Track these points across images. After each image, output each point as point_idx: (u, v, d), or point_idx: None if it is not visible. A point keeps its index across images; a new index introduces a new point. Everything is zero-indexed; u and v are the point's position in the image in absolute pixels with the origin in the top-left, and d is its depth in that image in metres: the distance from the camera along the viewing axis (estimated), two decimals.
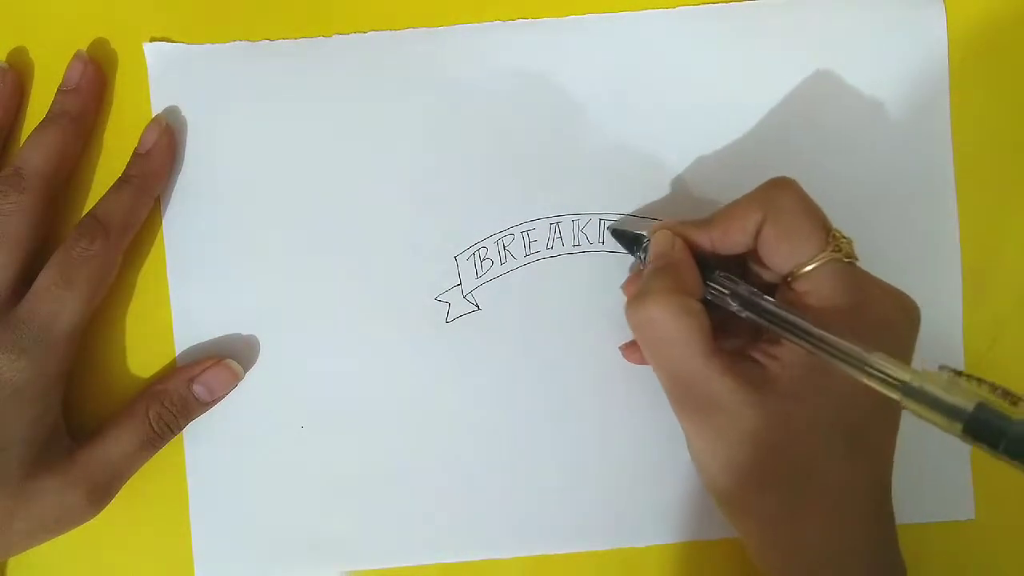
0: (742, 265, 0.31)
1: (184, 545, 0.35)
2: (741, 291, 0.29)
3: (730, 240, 0.30)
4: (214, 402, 0.34)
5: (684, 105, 0.34)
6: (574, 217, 0.34)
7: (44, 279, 0.31)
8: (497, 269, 0.35)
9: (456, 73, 0.34)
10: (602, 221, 0.34)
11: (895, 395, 0.24)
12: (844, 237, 0.29)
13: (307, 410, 0.35)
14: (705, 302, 0.30)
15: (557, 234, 0.35)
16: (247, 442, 0.35)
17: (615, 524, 0.35)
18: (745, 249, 0.30)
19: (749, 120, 0.34)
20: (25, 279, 0.31)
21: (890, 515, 0.29)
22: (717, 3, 0.34)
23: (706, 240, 0.31)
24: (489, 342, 0.35)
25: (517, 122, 0.34)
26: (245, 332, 0.35)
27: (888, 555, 0.29)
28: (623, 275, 0.35)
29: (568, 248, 0.35)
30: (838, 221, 0.34)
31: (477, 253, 0.35)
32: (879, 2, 0.34)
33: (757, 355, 0.29)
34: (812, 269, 0.28)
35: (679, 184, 0.34)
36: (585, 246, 0.35)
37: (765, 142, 0.34)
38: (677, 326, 0.28)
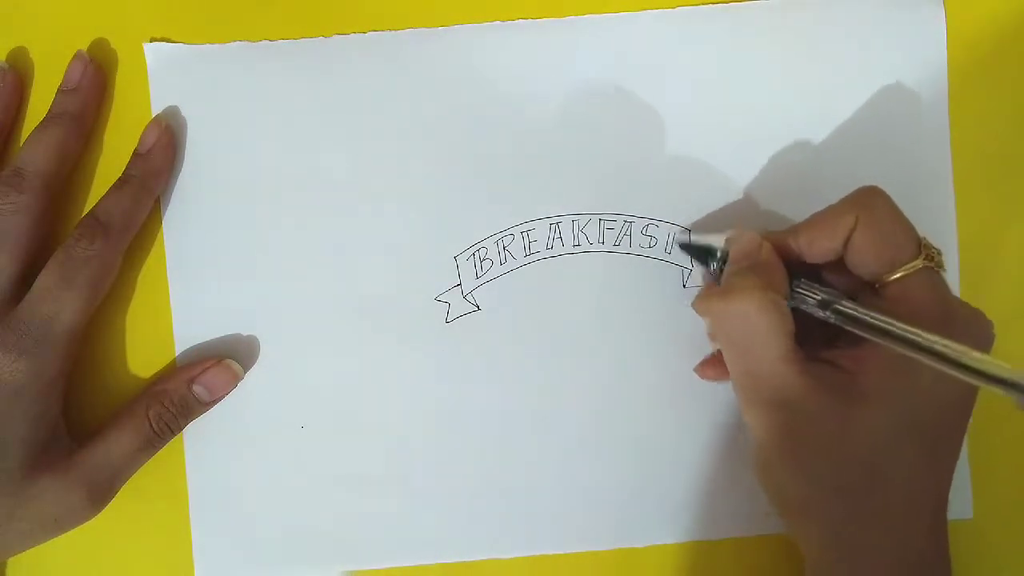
0: (816, 277, 0.31)
1: (184, 545, 0.35)
2: (829, 296, 0.29)
3: (818, 247, 0.30)
4: (214, 402, 0.34)
5: (684, 105, 0.34)
6: (574, 217, 0.34)
7: (44, 279, 0.31)
8: (497, 269, 0.35)
9: (456, 73, 0.34)
10: (602, 221, 0.34)
11: (1014, 395, 0.24)
12: (934, 246, 0.29)
13: (307, 410, 0.35)
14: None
15: (557, 234, 0.35)
16: (247, 442, 0.35)
17: (615, 524, 0.35)
18: (832, 257, 0.30)
19: (749, 120, 0.34)
20: (25, 279, 0.31)
21: (945, 521, 0.29)
22: (717, 3, 0.34)
23: (792, 247, 0.31)
24: (489, 342, 0.35)
25: (517, 122, 0.34)
26: (245, 332, 0.35)
27: (944, 562, 0.29)
28: (623, 275, 0.35)
29: (568, 248, 0.35)
30: None
31: (477, 253, 0.35)
32: (879, 2, 0.34)
33: (838, 360, 0.29)
34: (903, 276, 0.29)
35: (679, 184, 0.34)
36: (585, 246, 0.35)
37: (765, 142, 0.34)
38: (767, 321, 0.28)
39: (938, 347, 0.26)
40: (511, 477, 0.35)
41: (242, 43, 0.34)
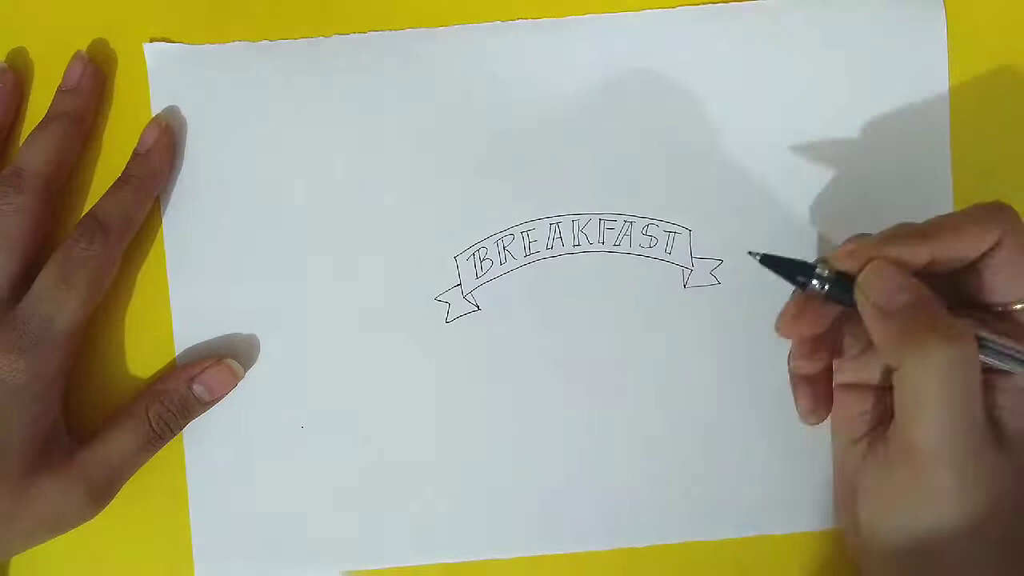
0: None
1: (184, 545, 0.35)
2: (981, 333, 0.27)
3: (958, 252, 0.27)
4: (214, 402, 0.34)
5: (684, 105, 0.34)
6: (574, 217, 0.34)
7: (44, 279, 0.31)
8: (497, 269, 0.35)
9: (456, 73, 0.34)
10: (602, 221, 0.34)
11: None
12: None
13: (307, 410, 0.35)
14: None
15: (557, 234, 0.35)
16: (247, 442, 0.35)
17: (615, 524, 0.35)
18: (959, 267, 0.28)
19: (749, 120, 0.34)
20: (25, 279, 0.31)
21: None
22: (717, 3, 0.34)
23: (923, 254, 0.27)
24: (489, 342, 0.35)
25: (517, 122, 0.34)
26: (245, 332, 0.35)
27: None
28: (623, 275, 0.34)
29: (568, 248, 0.35)
30: (836, 221, 0.34)
31: (477, 253, 0.35)
32: (879, 2, 0.34)
33: (989, 406, 0.27)
34: None
35: (679, 184, 0.34)
36: (585, 246, 0.35)
37: (765, 142, 0.34)
38: (978, 375, 0.26)
39: None
40: (511, 477, 0.35)
41: (242, 43, 0.34)
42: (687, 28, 0.34)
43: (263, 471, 0.35)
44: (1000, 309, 0.28)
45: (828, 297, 0.28)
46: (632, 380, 0.35)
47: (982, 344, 0.26)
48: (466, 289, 0.35)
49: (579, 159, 0.34)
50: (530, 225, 0.35)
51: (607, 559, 0.35)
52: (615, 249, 0.35)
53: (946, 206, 0.35)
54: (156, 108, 0.34)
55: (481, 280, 0.35)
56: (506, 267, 0.35)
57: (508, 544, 0.35)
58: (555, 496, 0.35)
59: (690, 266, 0.35)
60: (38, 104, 0.34)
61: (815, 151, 0.35)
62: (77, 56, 0.34)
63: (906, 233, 0.28)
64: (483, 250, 0.35)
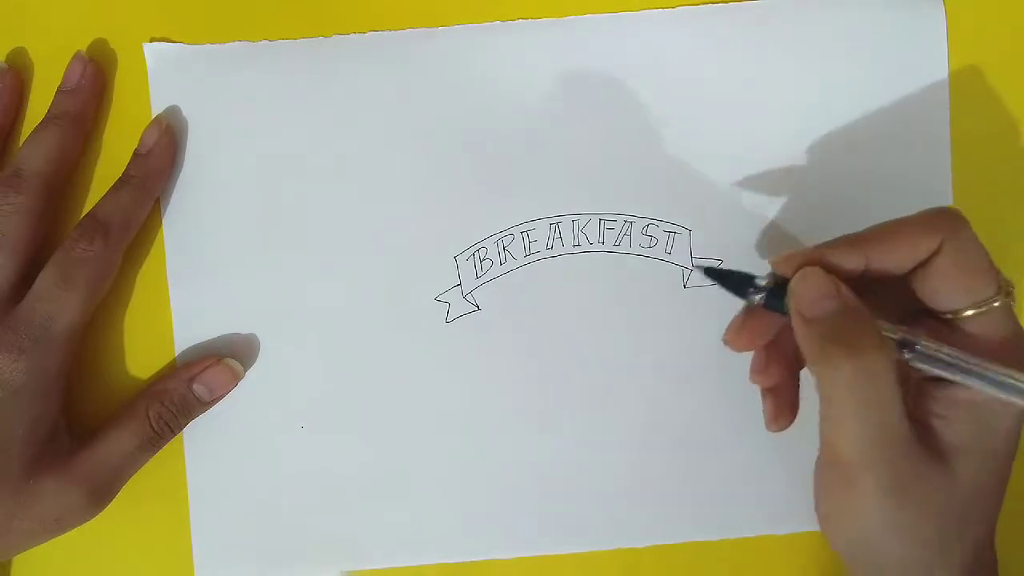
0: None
1: (184, 545, 0.35)
2: (908, 336, 0.27)
3: (894, 259, 0.27)
4: (214, 402, 0.34)
5: (684, 105, 0.34)
6: (574, 217, 0.34)
7: (44, 279, 0.31)
8: (497, 269, 0.35)
9: (456, 73, 0.34)
10: (602, 221, 0.34)
11: None
12: (1006, 278, 0.27)
13: (307, 410, 0.35)
14: None
15: (557, 234, 0.35)
16: (247, 442, 0.35)
17: (615, 524, 0.35)
18: (900, 273, 0.27)
19: (749, 120, 0.34)
20: (25, 279, 0.31)
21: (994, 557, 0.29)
22: (717, 3, 0.34)
23: (858, 260, 0.27)
24: (489, 342, 0.35)
25: (517, 122, 0.34)
26: (245, 332, 0.35)
27: None
28: (623, 275, 0.34)
29: (568, 248, 0.35)
30: (835, 221, 0.34)
31: (477, 253, 0.35)
32: (879, 2, 0.34)
33: (919, 412, 0.27)
34: (987, 311, 0.26)
35: (679, 184, 0.34)
36: (585, 246, 0.35)
37: (765, 142, 0.34)
38: (893, 381, 0.25)
39: None
40: (511, 477, 0.35)
41: (242, 43, 0.34)
42: (687, 28, 0.34)
43: (263, 471, 0.35)
44: (949, 317, 0.27)
45: (766, 306, 0.28)
46: (632, 380, 0.35)
47: (916, 351, 0.26)
48: (466, 289, 0.35)
49: (579, 159, 0.34)
50: (530, 225, 0.35)
51: (607, 559, 0.35)
52: (615, 249, 0.35)
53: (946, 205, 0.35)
54: (156, 108, 0.34)
55: (481, 280, 0.35)
56: (506, 267, 0.35)
57: (508, 544, 0.35)
58: (555, 496, 0.35)
59: (690, 266, 0.35)
60: (38, 104, 0.34)
61: (815, 151, 0.35)
62: (77, 56, 0.34)
63: (842, 240, 0.28)
64: (483, 250, 0.35)
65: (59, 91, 0.33)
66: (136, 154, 0.33)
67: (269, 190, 0.34)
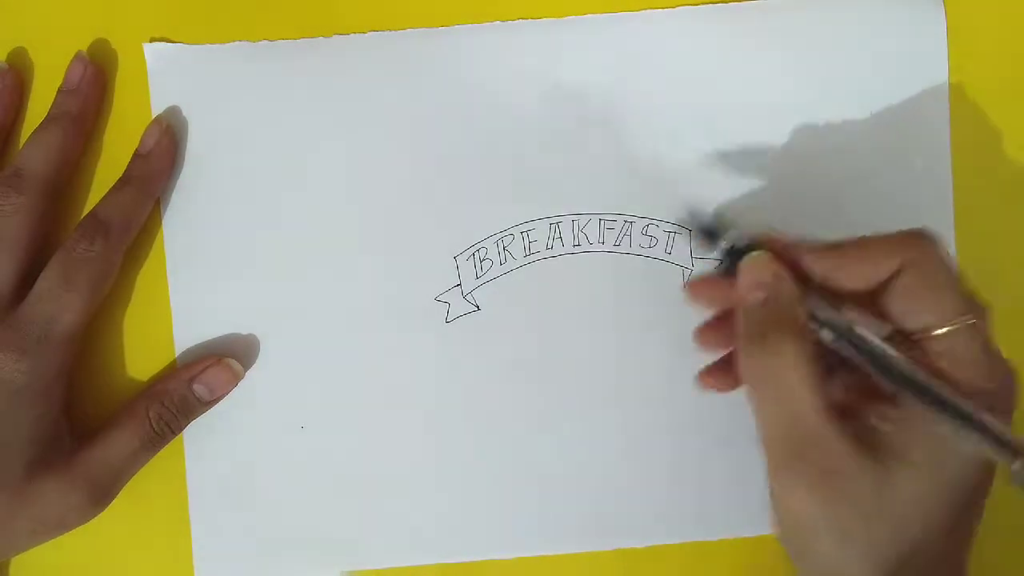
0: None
1: (184, 545, 0.35)
2: (874, 346, 0.27)
3: (854, 276, 0.28)
4: (214, 402, 0.34)
5: (684, 105, 0.34)
6: (574, 217, 0.34)
7: (45, 280, 0.31)
8: (497, 269, 0.35)
9: (456, 73, 0.34)
10: (602, 221, 0.35)
11: (1010, 462, 0.24)
12: (981, 304, 0.27)
13: (307, 410, 0.35)
14: None
15: (557, 234, 0.35)
16: (247, 442, 0.35)
17: (615, 524, 0.35)
18: (861, 288, 0.28)
19: (749, 120, 0.34)
20: (26, 280, 0.31)
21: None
22: (717, 3, 0.34)
23: (823, 267, 0.28)
24: (489, 342, 0.35)
25: (517, 122, 0.34)
26: (245, 332, 0.35)
27: None
28: (623, 275, 0.35)
29: (568, 248, 0.35)
30: (836, 220, 0.34)
31: (477, 253, 0.35)
32: (879, 2, 0.34)
33: (870, 414, 0.27)
34: (951, 331, 0.26)
35: (680, 184, 0.34)
36: (585, 246, 0.35)
37: (765, 142, 0.34)
38: (805, 375, 0.26)
39: (972, 415, 0.25)
40: (511, 477, 0.35)
41: (242, 43, 0.34)
42: (687, 28, 0.34)
43: (263, 471, 0.35)
44: (917, 337, 0.27)
45: (725, 272, 0.29)
46: (632, 380, 0.35)
47: (863, 351, 0.27)
48: (466, 289, 0.35)
49: (579, 159, 0.34)
50: (530, 225, 0.35)
51: (607, 559, 0.35)
52: (615, 249, 0.35)
53: (946, 206, 0.35)
54: (156, 108, 0.34)
55: (481, 280, 0.35)
56: (506, 267, 0.35)
57: (508, 544, 0.35)
58: (555, 496, 0.35)
59: (690, 266, 0.35)
60: (38, 104, 0.34)
61: (815, 151, 0.35)
62: (78, 57, 0.34)
63: (814, 244, 0.28)
64: (483, 250, 0.35)
65: (60, 91, 0.33)
66: (136, 154, 0.33)
67: (269, 190, 0.34)
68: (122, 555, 0.35)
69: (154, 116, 0.34)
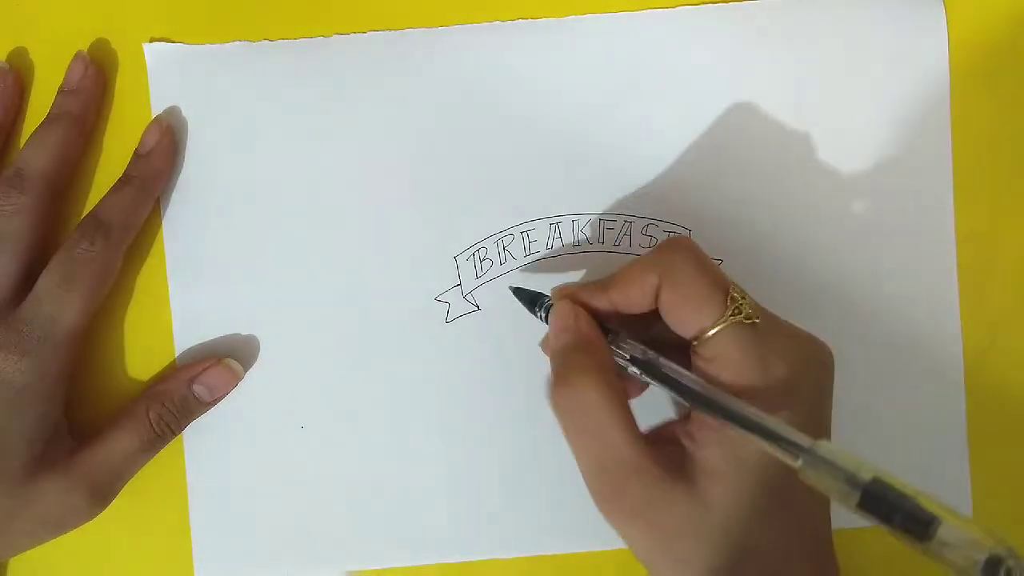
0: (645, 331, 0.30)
1: (184, 545, 0.35)
2: (648, 358, 0.28)
3: (631, 302, 0.29)
4: (214, 402, 0.34)
5: (684, 105, 0.34)
6: (574, 217, 0.35)
7: (46, 280, 0.31)
8: (497, 269, 0.35)
9: (456, 73, 0.34)
10: (602, 221, 0.35)
11: (792, 463, 0.24)
12: (743, 296, 0.27)
13: (307, 410, 0.35)
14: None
15: (557, 234, 0.35)
16: (247, 442, 0.35)
17: None
18: (647, 310, 0.29)
19: (749, 120, 0.34)
20: (27, 280, 0.31)
21: (832, 557, 0.28)
22: (717, 3, 0.34)
23: (605, 302, 0.29)
24: (489, 342, 0.35)
25: (517, 122, 0.34)
26: (245, 332, 0.35)
27: None
28: None
29: (568, 248, 0.35)
30: (836, 220, 0.34)
31: (477, 253, 0.35)
32: (879, 2, 0.34)
33: (675, 433, 0.28)
34: (714, 334, 0.27)
35: (680, 184, 0.34)
36: (585, 246, 0.35)
37: (764, 142, 0.34)
38: (611, 409, 0.27)
39: (730, 411, 0.25)
40: (511, 477, 0.35)
41: (242, 43, 0.34)
42: (687, 28, 0.34)
43: (263, 471, 0.35)
44: (695, 345, 0.28)
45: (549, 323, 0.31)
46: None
47: (660, 377, 0.28)
48: (466, 289, 0.35)
49: (579, 159, 0.34)
50: (530, 225, 0.35)
51: (607, 559, 0.35)
52: (615, 249, 0.35)
53: (946, 206, 0.35)
54: (156, 108, 0.34)
55: (481, 280, 0.35)
56: (506, 267, 0.35)
57: (508, 544, 0.35)
58: (556, 495, 0.35)
59: None
60: (39, 104, 0.34)
61: (815, 150, 0.35)
62: (78, 57, 0.34)
63: (594, 283, 0.30)
64: (483, 250, 0.35)
65: (60, 91, 0.33)
66: (136, 154, 0.34)
67: (269, 190, 0.34)
68: (122, 555, 0.35)
69: (154, 116, 0.34)
